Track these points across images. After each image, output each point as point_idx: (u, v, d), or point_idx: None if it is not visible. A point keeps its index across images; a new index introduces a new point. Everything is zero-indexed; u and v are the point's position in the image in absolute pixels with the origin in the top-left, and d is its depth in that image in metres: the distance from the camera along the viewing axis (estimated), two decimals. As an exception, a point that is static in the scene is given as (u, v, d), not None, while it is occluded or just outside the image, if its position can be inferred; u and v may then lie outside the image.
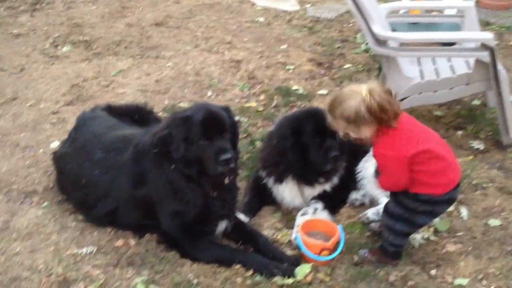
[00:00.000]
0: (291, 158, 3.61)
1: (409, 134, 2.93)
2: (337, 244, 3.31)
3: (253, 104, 5.27)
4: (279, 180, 3.76)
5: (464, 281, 3.22)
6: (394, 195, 3.16)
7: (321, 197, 3.77)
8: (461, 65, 4.64)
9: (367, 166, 3.86)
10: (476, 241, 3.55)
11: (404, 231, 3.18)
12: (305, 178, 3.71)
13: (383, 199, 3.75)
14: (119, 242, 3.46)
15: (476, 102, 5.29)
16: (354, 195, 3.89)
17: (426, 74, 4.61)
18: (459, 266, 3.34)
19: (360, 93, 2.84)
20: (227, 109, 3.38)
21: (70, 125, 4.36)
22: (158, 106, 5.21)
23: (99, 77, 5.88)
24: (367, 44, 6.43)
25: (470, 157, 4.47)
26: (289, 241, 3.52)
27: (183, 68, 5.97)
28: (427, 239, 3.54)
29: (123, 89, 5.62)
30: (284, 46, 6.59)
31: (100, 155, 3.55)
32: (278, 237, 3.56)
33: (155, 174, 3.28)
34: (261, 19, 7.51)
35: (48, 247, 3.38)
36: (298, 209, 3.78)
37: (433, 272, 3.29)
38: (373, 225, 3.61)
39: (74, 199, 3.70)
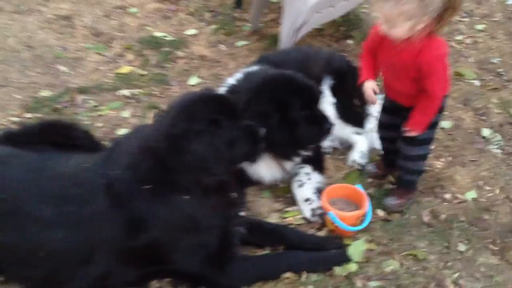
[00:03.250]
0: (277, 138, 3.03)
1: None
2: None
3: (127, 68, 4.37)
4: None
5: (473, 194, 3.30)
6: None
7: (302, 160, 3.37)
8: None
9: (326, 108, 3.53)
10: (451, 150, 3.64)
11: (428, 152, 3.10)
12: (287, 154, 3.24)
13: (355, 137, 3.58)
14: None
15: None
16: (324, 143, 3.57)
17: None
18: (457, 180, 3.40)
19: None
20: None
21: None
22: (10, 104, 3.97)
23: None
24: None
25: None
26: (304, 218, 3.13)
27: (3, 43, 4.60)
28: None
29: None
30: (109, -15, 5.50)
31: (51, 210, 2.54)
32: (290, 219, 3.13)
33: (160, 214, 2.49)
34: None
35: None
36: (281, 181, 3.38)
37: (447, 196, 3.28)
38: (370, 167, 3.41)
39: (28, 280, 2.65)
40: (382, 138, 3.26)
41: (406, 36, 2.54)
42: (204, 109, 2.51)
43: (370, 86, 2.91)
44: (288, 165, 3.31)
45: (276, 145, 3.07)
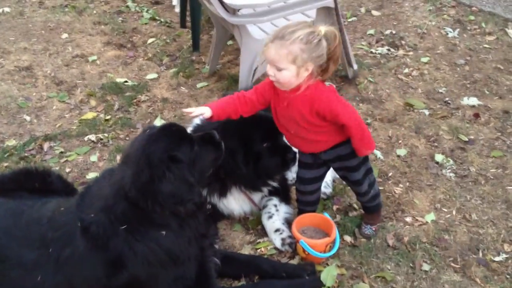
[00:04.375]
0: (244, 172, 3.17)
1: None
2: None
3: (92, 114, 4.45)
4: (223, 194, 3.34)
5: (432, 216, 3.49)
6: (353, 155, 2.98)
7: (269, 192, 3.50)
8: (298, 17, 4.67)
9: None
10: (408, 176, 3.82)
11: (370, 167, 3.21)
12: (256, 186, 3.36)
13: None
14: None
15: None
16: (289, 176, 3.72)
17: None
18: (416, 204, 3.58)
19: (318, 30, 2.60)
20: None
21: None
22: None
23: None
24: (147, 11, 6.02)
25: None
26: (276, 248, 3.24)
27: (-35, 96, 4.62)
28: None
29: None
30: (65, 35, 5.62)
31: (32, 255, 2.59)
32: (262, 250, 3.24)
33: (138, 251, 2.54)
34: (7, 9, 6.18)
35: None
36: (251, 214, 3.51)
37: (408, 219, 3.46)
38: (328, 193, 3.58)
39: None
40: (303, 192, 3.24)
41: (294, 83, 2.67)
42: (158, 151, 2.54)
43: (202, 109, 2.89)
44: (257, 197, 3.43)
45: (245, 178, 3.21)
